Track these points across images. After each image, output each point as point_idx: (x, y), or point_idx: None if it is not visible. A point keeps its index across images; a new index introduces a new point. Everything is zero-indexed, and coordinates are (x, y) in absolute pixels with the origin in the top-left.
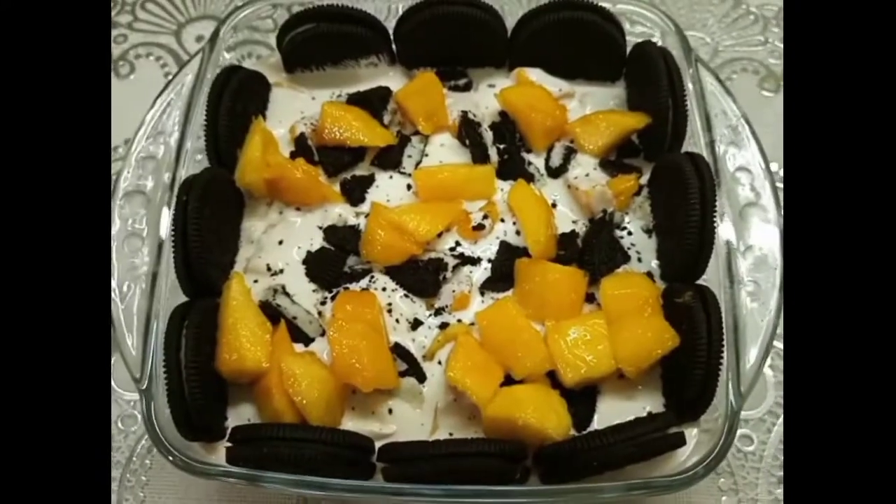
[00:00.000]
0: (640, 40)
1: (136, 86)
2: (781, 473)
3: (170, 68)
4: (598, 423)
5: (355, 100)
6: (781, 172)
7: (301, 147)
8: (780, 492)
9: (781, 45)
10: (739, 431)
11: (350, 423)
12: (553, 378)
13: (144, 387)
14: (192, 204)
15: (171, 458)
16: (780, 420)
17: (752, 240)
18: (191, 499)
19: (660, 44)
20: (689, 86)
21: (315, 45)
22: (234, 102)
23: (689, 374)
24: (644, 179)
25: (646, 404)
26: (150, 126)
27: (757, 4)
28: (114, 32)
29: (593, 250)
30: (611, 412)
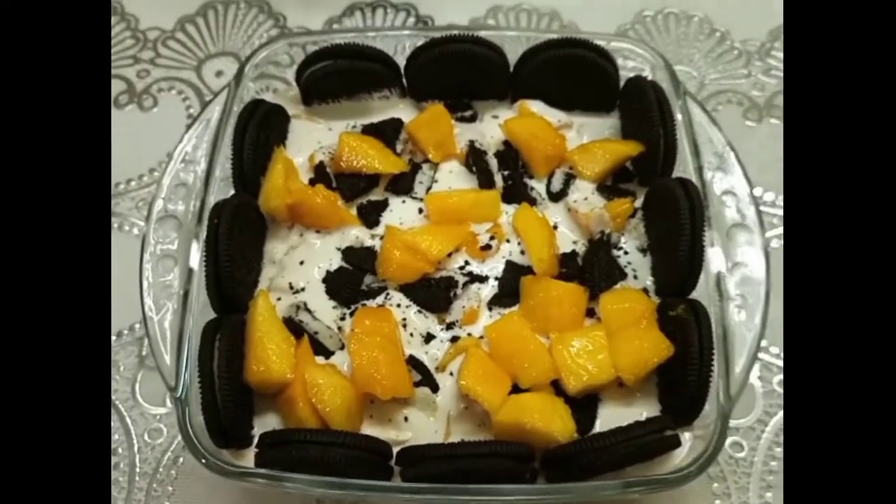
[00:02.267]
0: (632, 75)
1: (159, 118)
2: (771, 478)
3: (191, 101)
4: (599, 427)
5: (370, 130)
6: (765, 196)
7: (320, 174)
8: (769, 495)
9: (764, 78)
10: (731, 439)
11: (368, 430)
12: (557, 387)
13: (179, 395)
14: (223, 227)
15: (204, 461)
16: (769, 428)
17: (738, 257)
18: None
19: (650, 78)
20: (678, 116)
21: (332, 80)
22: (258, 134)
23: (684, 381)
24: (638, 203)
25: (643, 410)
26: (181, 156)
27: (741, 40)
28: (137, 68)
29: (593, 268)
30: (611, 418)
